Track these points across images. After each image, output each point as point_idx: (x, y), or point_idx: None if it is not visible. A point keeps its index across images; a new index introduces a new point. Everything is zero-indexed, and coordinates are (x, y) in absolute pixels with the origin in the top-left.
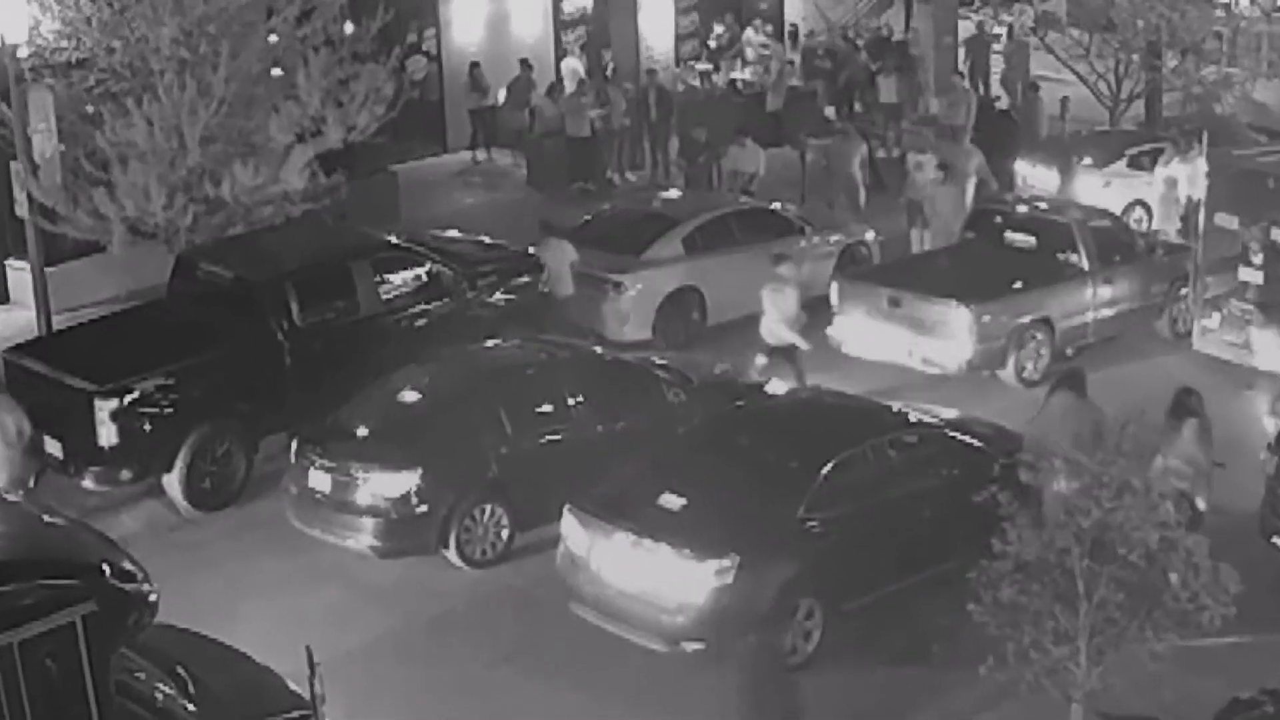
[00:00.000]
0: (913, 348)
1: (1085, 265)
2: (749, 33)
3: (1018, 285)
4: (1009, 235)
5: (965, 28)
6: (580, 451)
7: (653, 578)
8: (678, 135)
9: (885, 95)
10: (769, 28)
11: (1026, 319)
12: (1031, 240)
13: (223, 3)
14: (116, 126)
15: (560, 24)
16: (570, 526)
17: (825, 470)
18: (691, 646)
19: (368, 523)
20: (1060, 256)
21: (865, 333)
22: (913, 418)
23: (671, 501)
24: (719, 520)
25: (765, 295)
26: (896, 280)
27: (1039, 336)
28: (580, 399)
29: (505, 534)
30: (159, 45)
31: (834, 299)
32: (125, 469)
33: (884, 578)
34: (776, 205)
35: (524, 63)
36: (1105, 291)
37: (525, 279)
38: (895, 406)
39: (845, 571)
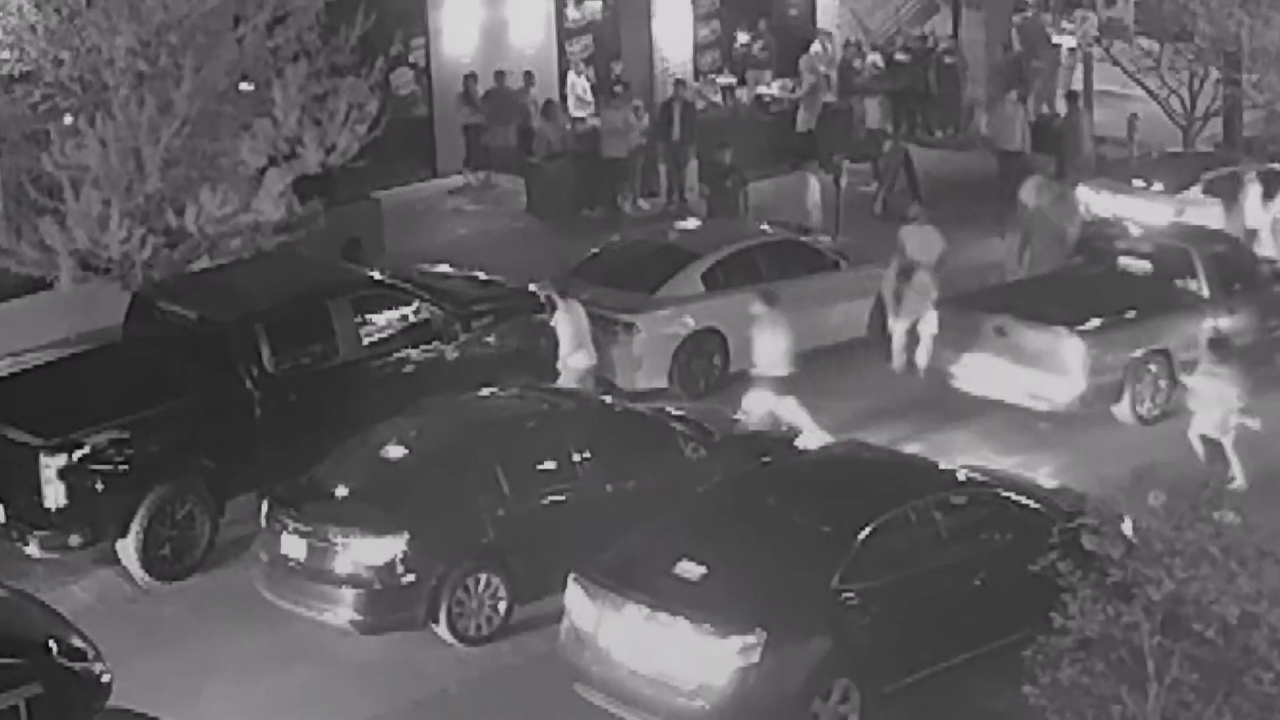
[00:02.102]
0: (1020, 381)
1: (1205, 293)
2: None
3: (1132, 314)
4: (1123, 260)
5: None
6: (587, 514)
7: (669, 656)
8: (697, 157)
9: (870, 120)
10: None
11: (1143, 350)
12: (1146, 265)
13: (185, 9)
14: (66, 147)
15: (564, 33)
16: (576, 598)
17: (863, 535)
18: None
19: (348, 594)
20: (1178, 283)
21: (968, 365)
22: (961, 476)
23: (690, 570)
24: (743, 591)
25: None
26: (1002, 306)
27: (1156, 369)
28: (587, 455)
29: (502, 607)
30: (113, 57)
31: (933, 328)
32: (75, 533)
33: (929, 656)
34: (808, 236)
35: (527, 75)
36: (1226, 322)
37: (525, 319)
38: (942, 463)
39: (885, 649)
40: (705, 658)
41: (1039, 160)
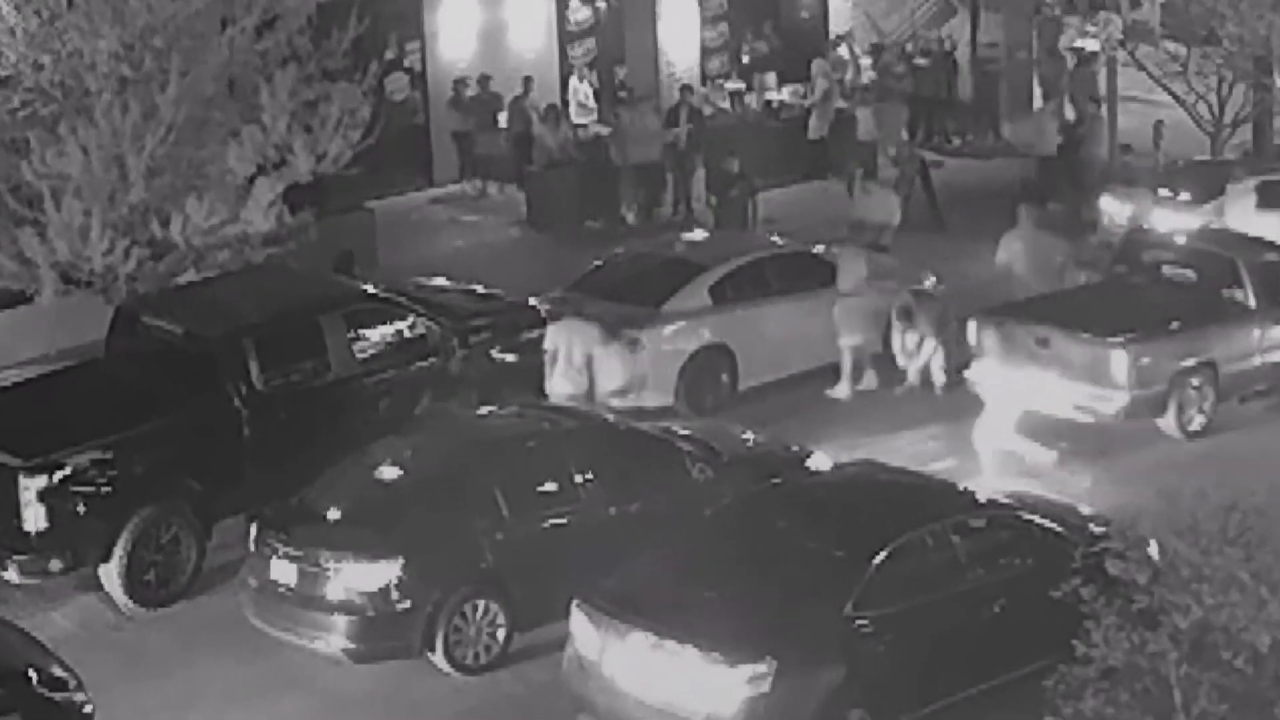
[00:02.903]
0: (1062, 394)
1: (1251, 303)
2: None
3: (1176, 324)
4: (1166, 269)
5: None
6: (589, 537)
7: (676, 685)
8: (704, 166)
9: (862, 132)
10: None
11: (1189, 362)
12: (1190, 275)
13: (170, 11)
14: (46, 155)
15: (566, 36)
16: (579, 625)
17: (878, 560)
18: None
19: (340, 621)
20: (1224, 293)
21: (1008, 377)
22: (980, 497)
23: (698, 596)
24: (753, 618)
25: None
26: (1045, 317)
27: (1202, 382)
28: (589, 476)
29: (501, 634)
30: (95, 61)
31: (972, 338)
32: (55, 558)
33: (947, 685)
34: (820, 248)
35: (526, 81)
36: (1276, 333)
37: (525, 335)
38: (961, 484)
39: (901, 678)
40: (714, 687)
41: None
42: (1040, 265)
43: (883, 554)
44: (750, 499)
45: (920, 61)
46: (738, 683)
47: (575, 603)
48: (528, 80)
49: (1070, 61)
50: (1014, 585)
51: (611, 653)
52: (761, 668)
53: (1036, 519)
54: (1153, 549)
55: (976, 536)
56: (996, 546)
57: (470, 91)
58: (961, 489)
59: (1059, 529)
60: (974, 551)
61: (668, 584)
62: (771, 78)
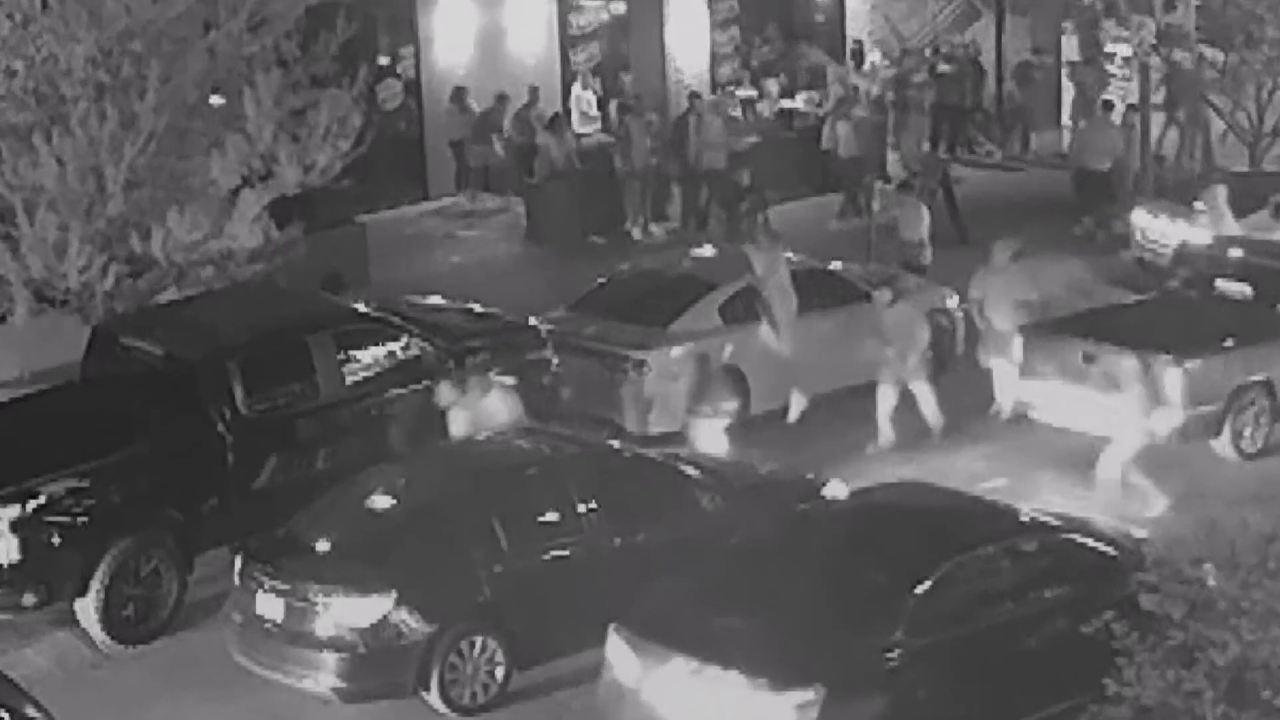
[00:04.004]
0: (1109, 413)
1: None
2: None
3: (1231, 342)
4: (1220, 283)
5: (1069, 45)
6: (593, 570)
7: (719, 712)
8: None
9: (844, 149)
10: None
11: (1245, 380)
12: (1246, 289)
13: (150, 14)
14: (19, 166)
15: (568, 41)
16: (617, 651)
17: (925, 586)
18: None
19: (329, 659)
20: None
21: (1054, 396)
22: (1025, 518)
23: (741, 622)
24: (799, 644)
25: None
26: (1092, 332)
27: (1259, 401)
28: (592, 505)
29: (500, 673)
30: (71, 66)
31: (1018, 355)
32: (29, 592)
33: (995, 716)
34: (836, 265)
35: (533, 92)
36: None
37: (525, 356)
38: (1008, 506)
39: (948, 708)
40: (759, 715)
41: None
42: (1011, 306)
43: (930, 580)
44: (793, 520)
45: (944, 68)
46: (784, 710)
47: (613, 628)
48: (534, 90)
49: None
50: (1065, 612)
51: (651, 680)
52: (809, 695)
53: (1089, 542)
54: (1210, 576)
55: (1027, 561)
56: (1048, 571)
57: (475, 104)
58: (1011, 511)
59: (1112, 553)
60: (1025, 576)
61: (708, 609)
62: (773, 84)
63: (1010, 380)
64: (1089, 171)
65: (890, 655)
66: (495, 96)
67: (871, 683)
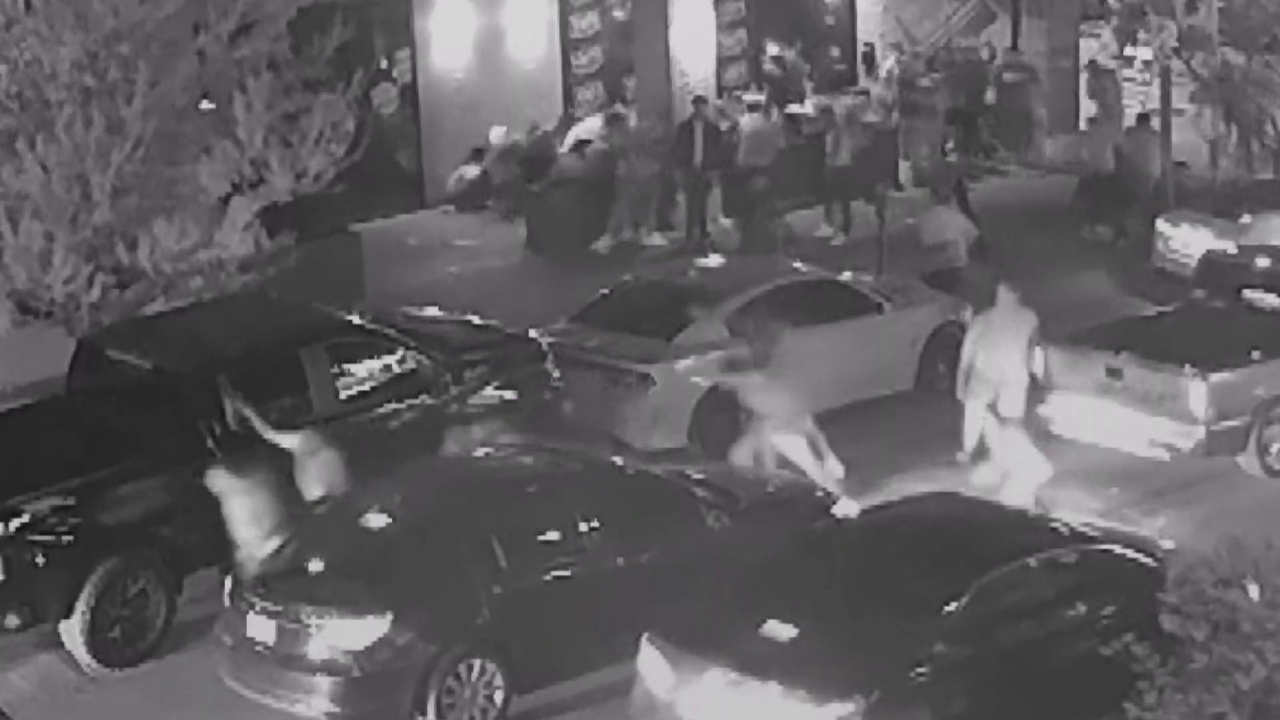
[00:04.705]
0: (1134, 427)
1: None
2: None
3: (1258, 354)
4: (1248, 294)
5: (1088, 48)
6: (595, 590)
7: None
8: (720, 185)
9: (840, 158)
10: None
11: (1272, 393)
12: (1275, 300)
13: (138, 16)
14: (2, 173)
15: (570, 44)
16: (650, 662)
17: (965, 598)
18: None
19: (323, 683)
20: None
21: (1078, 410)
22: (1064, 529)
23: (779, 632)
24: (839, 655)
25: None
26: (1116, 343)
27: None
28: (595, 523)
29: (499, 697)
30: (56, 70)
31: (1040, 368)
32: (12, 613)
33: None
34: (847, 275)
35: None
36: None
37: (525, 369)
38: (1045, 516)
39: None
40: None
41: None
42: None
43: (969, 593)
44: (829, 530)
45: (952, 72)
46: None
47: (646, 637)
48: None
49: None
50: (1106, 623)
51: (686, 691)
52: (850, 707)
53: (1129, 553)
54: (1252, 590)
55: (1067, 572)
56: (1088, 583)
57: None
58: (1050, 522)
59: (1152, 564)
60: (1065, 588)
61: (745, 619)
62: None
63: (978, 423)
64: (1100, 176)
65: (929, 668)
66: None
67: (911, 695)
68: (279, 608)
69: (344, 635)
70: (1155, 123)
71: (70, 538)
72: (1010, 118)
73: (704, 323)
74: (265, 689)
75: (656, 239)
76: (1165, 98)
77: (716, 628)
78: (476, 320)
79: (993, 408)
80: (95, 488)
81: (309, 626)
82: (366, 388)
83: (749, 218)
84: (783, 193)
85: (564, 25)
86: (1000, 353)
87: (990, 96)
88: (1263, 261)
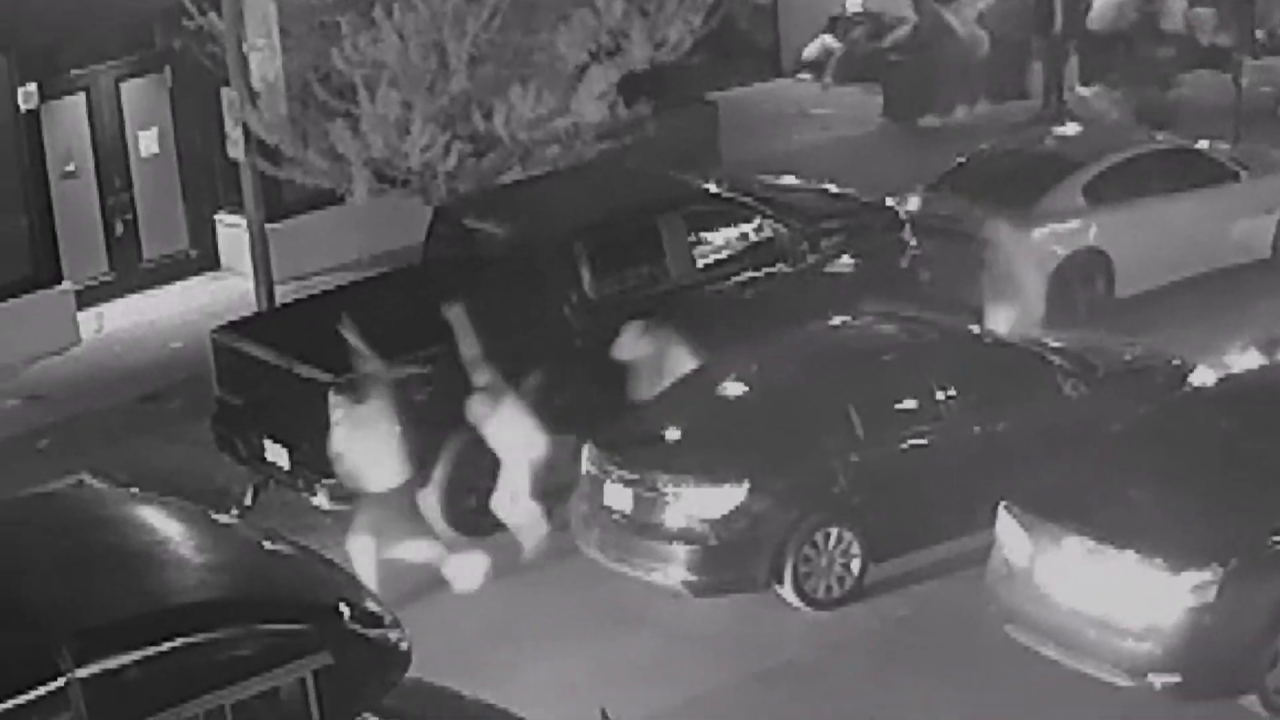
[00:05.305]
0: None
1: None
2: None
3: None
4: None
5: None
6: (951, 459)
7: (1113, 594)
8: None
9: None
10: None
11: None
12: None
13: None
14: (360, 42)
15: None
16: (1007, 530)
17: None
18: (1161, 681)
19: (680, 551)
20: None
21: None
22: None
23: (1137, 499)
24: (1196, 524)
25: None
26: None
27: None
28: (951, 392)
29: (855, 566)
30: None
31: None
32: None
33: None
34: (1203, 144)
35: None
36: None
37: (881, 238)
38: None
39: None
40: (1154, 596)
41: None
42: None
43: None
44: (1187, 399)
45: None
46: (1180, 591)
47: (1003, 506)
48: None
49: None
50: None
51: (1043, 560)
52: (1207, 575)
53: None
54: None
55: None
56: None
57: None
58: None
59: None
60: None
61: (1102, 487)
62: None
63: None
64: None
65: None
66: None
67: (1269, 563)
68: (636, 476)
69: (701, 504)
70: None
71: (426, 407)
72: None
73: (1061, 191)
74: (622, 557)
75: (1012, 107)
76: None
77: (1074, 496)
78: (833, 188)
79: None
80: (450, 357)
81: (666, 495)
82: (723, 256)
83: (1140, 86)
84: (1138, 62)
85: None
86: None
87: None
88: None
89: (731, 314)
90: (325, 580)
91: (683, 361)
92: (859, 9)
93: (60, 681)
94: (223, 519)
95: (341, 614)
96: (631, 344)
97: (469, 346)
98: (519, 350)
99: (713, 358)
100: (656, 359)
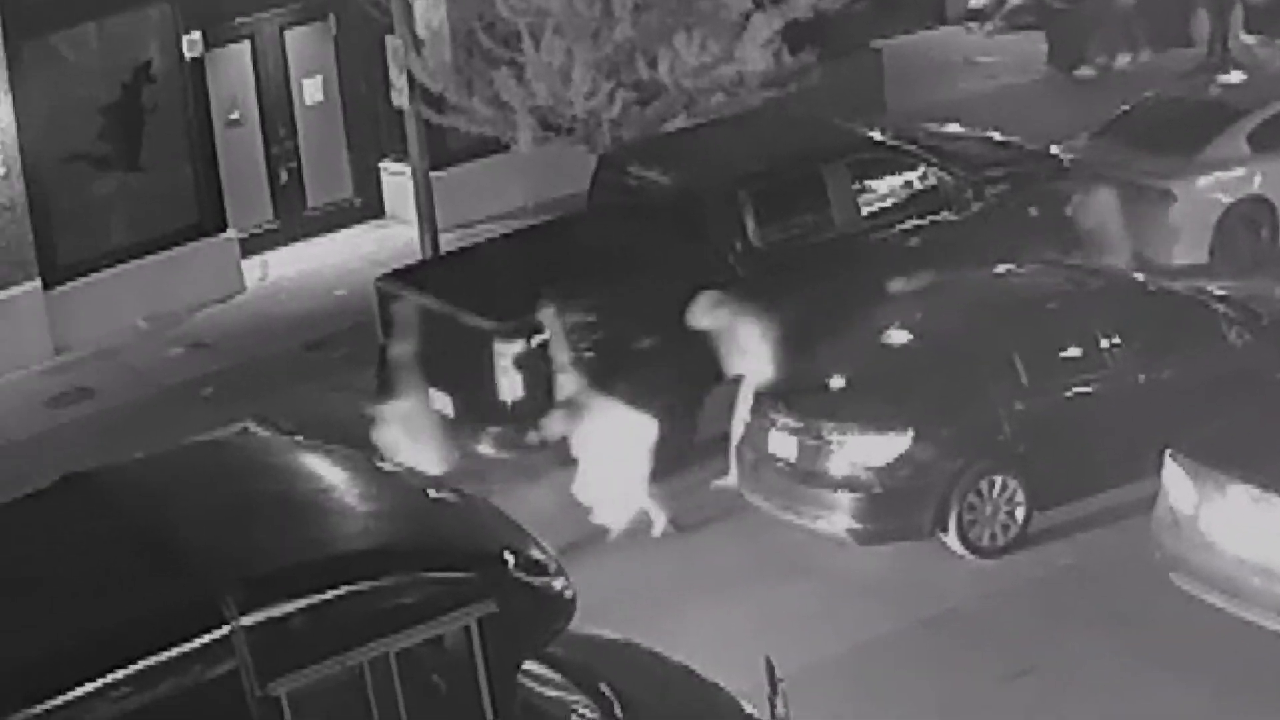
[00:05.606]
0: None
1: None
2: None
3: None
4: None
5: None
6: (1116, 407)
7: (1278, 541)
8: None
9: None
10: None
11: None
12: None
13: None
14: None
15: None
16: (1173, 478)
17: None
18: None
19: (844, 499)
20: None
21: None
22: None
23: None
24: None
25: None
26: None
27: None
28: (1116, 340)
29: (1020, 514)
30: None
31: None
32: (533, 430)
33: None
34: None
35: None
36: None
37: (1046, 186)
38: None
39: None
40: None
41: None
42: None
43: None
44: None
45: None
46: None
47: (1169, 454)
48: None
49: None
50: None
51: (1209, 508)
52: None
53: None
54: None
55: None
56: None
57: None
58: None
59: None
60: None
61: (1268, 436)
62: None
63: None
64: None
65: None
66: None
67: None
68: (800, 424)
69: (866, 452)
70: None
71: (591, 355)
72: None
73: (1226, 139)
74: (786, 505)
75: (1176, 55)
76: None
77: (1239, 444)
78: (997, 136)
79: None
80: (616, 305)
81: (830, 443)
82: (888, 204)
83: None
84: None
85: None
86: None
87: None
88: None
89: (896, 262)
90: (490, 528)
91: (754, 335)
92: None
93: (224, 629)
94: (387, 466)
95: (506, 562)
96: (705, 313)
97: None
98: (684, 298)
99: (877, 306)
100: (730, 331)
